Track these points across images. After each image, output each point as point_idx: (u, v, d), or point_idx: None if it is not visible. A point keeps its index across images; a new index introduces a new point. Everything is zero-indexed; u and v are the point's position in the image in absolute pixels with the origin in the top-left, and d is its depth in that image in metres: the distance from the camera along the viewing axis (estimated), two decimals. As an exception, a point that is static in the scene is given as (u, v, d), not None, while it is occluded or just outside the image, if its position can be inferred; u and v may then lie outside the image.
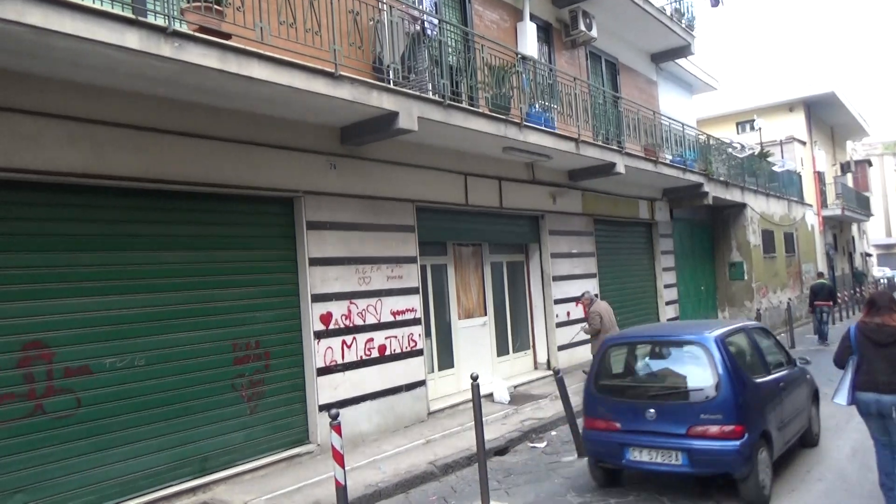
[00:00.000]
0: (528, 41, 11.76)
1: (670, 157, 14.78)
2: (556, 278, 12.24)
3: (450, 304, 10.50)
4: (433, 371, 9.92)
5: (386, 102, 7.38)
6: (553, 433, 8.76)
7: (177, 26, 5.45)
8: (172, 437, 6.37)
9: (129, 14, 5.21)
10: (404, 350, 8.85)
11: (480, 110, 9.02)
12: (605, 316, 10.08)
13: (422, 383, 9.07)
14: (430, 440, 8.15)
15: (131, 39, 5.12)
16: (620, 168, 12.01)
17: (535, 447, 8.18)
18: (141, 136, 6.22)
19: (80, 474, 5.69)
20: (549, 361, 12.04)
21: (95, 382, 5.88)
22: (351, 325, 8.12)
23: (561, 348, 12.14)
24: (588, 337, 10.47)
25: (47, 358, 5.58)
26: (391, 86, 7.59)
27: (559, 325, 12.22)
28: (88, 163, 5.87)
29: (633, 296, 15.14)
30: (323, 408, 7.59)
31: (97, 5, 5.19)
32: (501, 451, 7.98)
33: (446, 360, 10.30)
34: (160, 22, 5.40)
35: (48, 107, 5.64)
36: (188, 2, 5.88)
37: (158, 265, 6.45)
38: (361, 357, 8.22)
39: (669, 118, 15.22)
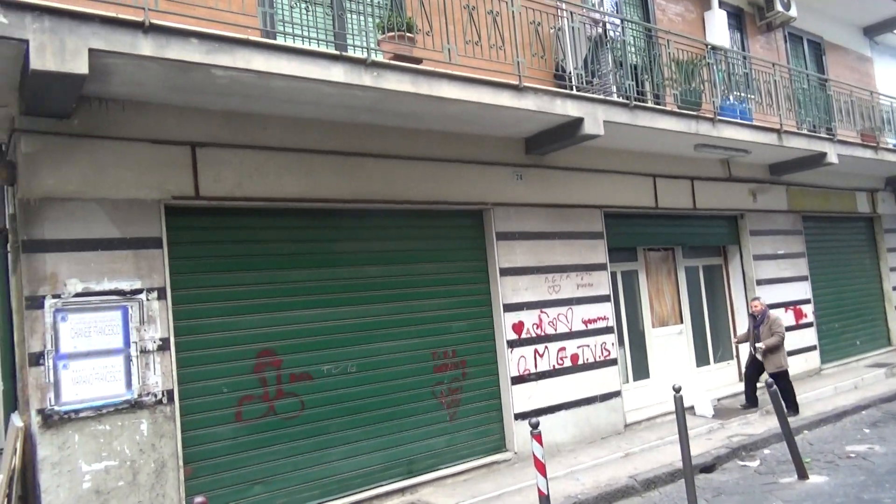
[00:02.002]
0: (717, 30, 11.03)
1: (894, 142, 13.00)
2: (760, 282, 11.26)
3: (642, 311, 10.10)
4: (628, 381, 9.58)
5: (570, 109, 7.33)
6: (766, 451, 8.04)
7: (374, 57, 5.86)
8: (382, 440, 6.80)
9: (333, 51, 5.71)
10: (597, 359, 8.65)
11: (668, 108, 8.62)
12: None
13: (617, 394, 8.80)
14: (629, 453, 7.87)
15: (336, 73, 5.61)
16: (832, 157, 10.79)
17: (746, 466, 7.56)
18: (345, 160, 6.76)
19: (304, 471, 6.28)
20: (755, 372, 11.07)
21: (315, 387, 6.46)
22: (542, 333, 8.12)
23: (769, 358, 11.11)
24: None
25: (277, 364, 6.25)
26: (574, 92, 7.52)
27: (766, 333, 11.20)
28: (303, 188, 6.49)
29: (853, 301, 13.47)
30: (518, 416, 7.66)
31: (305, 46, 5.76)
32: (708, 468, 7.48)
33: (641, 370, 9.90)
34: (359, 55, 5.85)
35: (269, 141, 6.33)
36: (383, 33, 6.32)
37: (364, 279, 6.94)
38: (554, 366, 8.17)
39: (890, 97, 13.41)
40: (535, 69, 7.49)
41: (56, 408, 4.97)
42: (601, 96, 7.79)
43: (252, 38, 5.24)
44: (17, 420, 5.22)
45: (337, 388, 6.59)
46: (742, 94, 9.95)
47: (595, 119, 7.49)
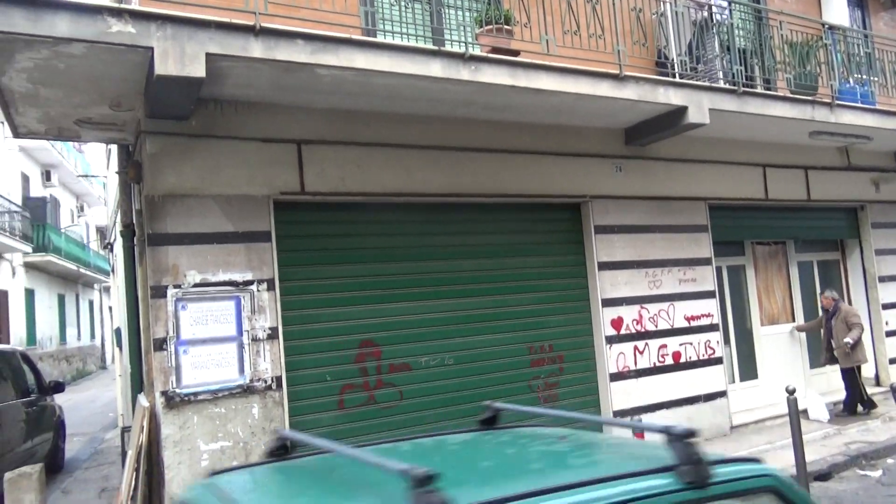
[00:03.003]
0: (835, 8, 10.30)
1: None
2: (883, 279, 10.44)
3: (750, 308, 9.60)
4: (734, 381, 9.14)
5: (673, 98, 7.06)
6: (889, 461, 7.46)
7: (472, 51, 5.88)
8: (478, 433, 6.82)
9: (431, 46, 5.78)
10: (701, 358, 8.31)
11: (780, 94, 8.13)
12: None
13: (722, 394, 8.42)
14: (736, 456, 7.51)
15: (435, 68, 5.67)
16: (969, 143, 9.83)
17: (866, 476, 7.04)
18: (442, 155, 6.83)
19: (404, 459, 6.41)
20: (877, 376, 10.30)
21: (413, 378, 6.58)
22: (643, 330, 7.89)
23: (893, 361, 10.31)
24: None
25: (377, 355, 6.42)
26: (678, 80, 7.24)
27: (889, 333, 10.39)
28: (401, 182, 6.62)
29: None
30: (617, 414, 7.49)
31: (404, 42, 5.86)
32: (823, 476, 7.02)
33: (748, 370, 9.42)
34: (457, 49, 5.89)
35: (369, 137, 6.50)
36: (481, 27, 6.32)
37: (461, 272, 6.99)
38: (655, 364, 7.92)
39: None
40: (635, 57, 7.26)
41: (177, 390, 5.33)
42: (706, 83, 7.46)
43: (354, 37, 5.39)
44: (143, 400, 5.65)
45: (434, 380, 6.68)
46: (863, 77, 9.23)
47: (700, 107, 7.18)
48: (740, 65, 7.72)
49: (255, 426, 5.60)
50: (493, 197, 7.12)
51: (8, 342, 18.59)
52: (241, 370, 5.60)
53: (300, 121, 6.18)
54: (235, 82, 5.45)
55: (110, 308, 36.07)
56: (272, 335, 5.79)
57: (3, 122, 20.09)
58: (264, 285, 5.81)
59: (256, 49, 4.94)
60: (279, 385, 5.76)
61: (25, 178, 22.92)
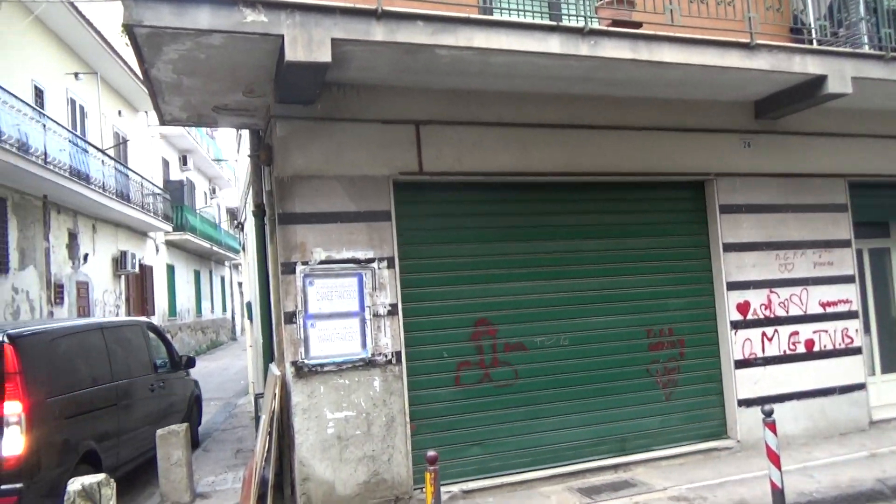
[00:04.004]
0: None
1: None
2: None
3: (895, 295, 8.81)
4: (874, 373, 8.45)
5: (811, 66, 6.54)
6: None
7: (591, 25, 5.72)
8: (594, 415, 6.76)
9: (549, 22, 5.68)
10: (837, 347, 7.74)
11: (939, 57, 7.32)
12: None
13: (860, 386, 7.82)
14: (876, 454, 6.97)
15: (553, 44, 5.57)
16: None
17: None
18: (559, 133, 6.73)
19: (518, 437, 6.47)
20: None
21: (528, 358, 6.59)
22: (772, 315, 7.45)
23: None
24: None
25: (492, 334, 6.48)
26: (816, 46, 6.70)
27: None
28: (518, 161, 6.59)
29: None
30: (742, 403, 7.15)
31: (522, 19, 5.80)
32: (981, 480, 6.37)
33: (891, 361, 8.67)
34: (575, 23, 5.75)
35: (486, 116, 6.51)
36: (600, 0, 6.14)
37: (578, 252, 6.90)
38: (784, 351, 7.47)
39: None
40: (768, 24, 6.78)
41: (306, 361, 5.65)
42: (849, 49, 6.85)
43: (473, 16, 5.40)
44: (274, 369, 6.03)
45: (549, 361, 6.66)
46: None
47: (842, 76, 6.62)
48: (889, 27, 7.02)
49: (377, 398, 5.84)
50: (613, 175, 6.94)
51: (153, 313, 20.42)
52: (364, 344, 5.84)
53: (418, 102, 6.29)
54: (358, 66, 5.62)
55: (239, 283, 38.66)
56: (392, 311, 5.99)
57: (146, 112, 21.93)
58: (385, 263, 6.01)
59: (378, 32, 5.07)
60: (399, 360, 5.96)
61: (165, 163, 24.94)
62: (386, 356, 5.91)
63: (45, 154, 12.57)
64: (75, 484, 3.92)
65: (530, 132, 6.67)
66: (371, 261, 5.97)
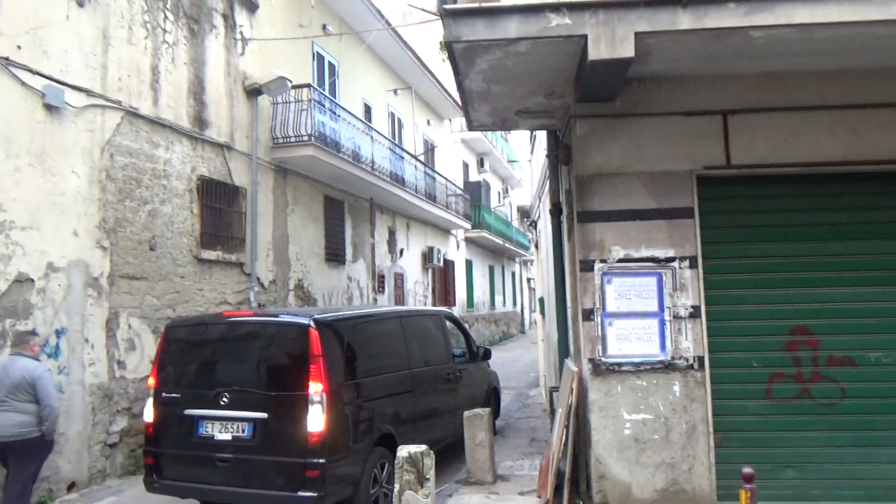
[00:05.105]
0: None
1: None
2: None
3: None
4: None
5: None
6: None
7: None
8: (948, 451, 5.59)
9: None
10: None
11: None
12: None
13: None
14: None
15: (900, 9, 4.72)
16: None
17: None
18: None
19: (846, 465, 5.63)
20: None
21: (858, 375, 5.70)
22: None
23: None
24: None
25: (812, 344, 5.74)
26: None
27: None
28: (846, 149, 5.75)
29: None
30: None
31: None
32: None
33: None
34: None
35: (806, 100, 5.79)
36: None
37: (926, 255, 5.77)
38: None
39: None
40: None
41: (603, 359, 5.66)
42: None
43: (796, -11, 4.83)
44: (571, 365, 6.15)
45: (888, 381, 5.68)
46: None
47: None
48: None
49: (676, 404, 5.59)
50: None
51: (454, 304, 22.38)
52: (663, 346, 5.64)
53: (725, 90, 5.86)
54: (660, 57, 5.43)
55: (529, 279, 40.28)
56: (694, 314, 5.68)
57: (450, 120, 24.06)
58: (686, 262, 5.72)
59: (685, 21, 4.83)
60: (701, 365, 5.63)
61: (465, 166, 27.12)
62: (687, 360, 5.63)
63: (373, 162, 14.57)
64: (403, 451, 4.49)
65: (862, 114, 5.76)
66: (671, 260, 5.73)
